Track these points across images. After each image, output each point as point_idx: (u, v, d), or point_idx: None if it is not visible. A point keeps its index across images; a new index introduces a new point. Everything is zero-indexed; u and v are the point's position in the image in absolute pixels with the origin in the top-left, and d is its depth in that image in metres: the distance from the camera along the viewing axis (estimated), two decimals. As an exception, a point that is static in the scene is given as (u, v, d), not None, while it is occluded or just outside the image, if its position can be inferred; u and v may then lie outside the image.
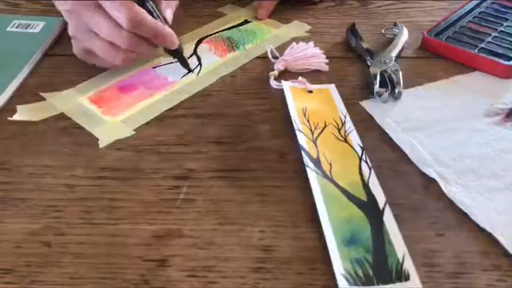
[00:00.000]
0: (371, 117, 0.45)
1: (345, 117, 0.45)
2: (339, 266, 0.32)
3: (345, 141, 0.42)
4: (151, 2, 0.47)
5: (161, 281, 0.32)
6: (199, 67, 0.53)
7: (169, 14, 0.50)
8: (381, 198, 0.37)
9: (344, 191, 0.37)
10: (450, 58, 0.53)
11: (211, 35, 0.58)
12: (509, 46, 0.52)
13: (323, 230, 0.34)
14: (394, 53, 0.51)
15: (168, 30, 0.47)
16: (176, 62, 0.52)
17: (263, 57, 0.54)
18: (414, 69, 0.52)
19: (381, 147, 0.42)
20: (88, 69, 0.52)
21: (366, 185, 0.38)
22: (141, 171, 0.40)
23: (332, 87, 0.49)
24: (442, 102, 0.47)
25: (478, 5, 0.60)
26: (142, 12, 0.45)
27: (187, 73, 0.51)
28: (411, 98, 0.47)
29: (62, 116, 0.46)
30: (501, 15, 0.58)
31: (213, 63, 0.53)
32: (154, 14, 0.47)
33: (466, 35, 0.55)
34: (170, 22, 0.50)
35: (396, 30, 0.57)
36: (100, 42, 0.46)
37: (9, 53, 0.54)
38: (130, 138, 0.44)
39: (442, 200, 0.37)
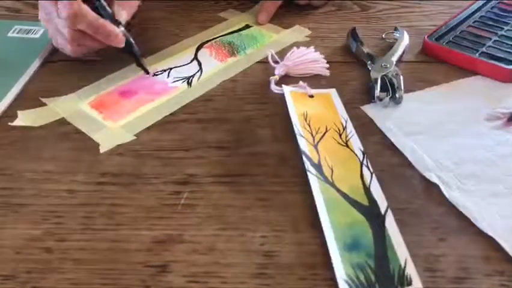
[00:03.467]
0: (372, 122, 0.45)
1: (346, 121, 0.45)
2: (340, 271, 0.32)
3: (347, 145, 0.42)
4: (101, 1, 0.49)
5: (162, 287, 0.32)
6: (199, 72, 0.53)
7: (123, 15, 0.52)
8: (382, 203, 0.36)
9: (345, 196, 0.37)
10: (451, 62, 0.53)
11: (212, 39, 0.58)
12: (509, 50, 0.52)
13: (324, 235, 0.34)
14: (395, 58, 0.51)
15: (111, 28, 0.49)
16: (176, 66, 0.52)
17: (264, 62, 0.54)
18: (415, 73, 0.52)
19: (382, 151, 0.42)
20: (88, 75, 0.52)
21: (367, 190, 0.38)
22: (142, 177, 0.40)
23: (332, 92, 0.49)
24: (443, 107, 0.47)
25: (478, 9, 0.60)
26: (85, 9, 0.47)
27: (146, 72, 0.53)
28: (412, 102, 0.47)
29: (63, 122, 0.46)
30: (501, 20, 0.58)
31: (214, 68, 0.53)
32: (102, 12, 0.49)
33: (467, 39, 0.55)
34: (123, 22, 0.52)
35: (397, 35, 0.57)
36: (56, 32, 0.49)
37: (10, 58, 0.54)
38: (130, 144, 0.44)
39: (444, 205, 0.37)
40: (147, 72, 0.53)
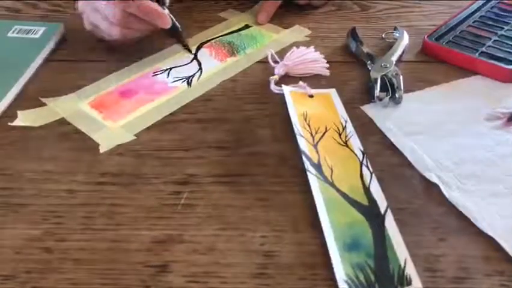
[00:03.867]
0: (372, 122, 0.45)
1: (345, 121, 0.45)
2: (340, 271, 0.32)
3: (346, 145, 0.42)
4: None
5: (162, 287, 0.32)
6: (199, 72, 0.53)
7: None
8: (382, 203, 0.36)
9: (345, 196, 0.37)
10: (450, 62, 0.53)
11: (211, 39, 0.58)
12: (509, 50, 0.53)
13: (324, 235, 0.34)
14: (394, 58, 0.51)
15: (159, 9, 0.50)
16: (176, 66, 0.52)
17: (264, 62, 0.54)
18: (414, 73, 0.52)
19: (382, 151, 0.42)
20: (88, 75, 0.52)
21: (367, 190, 0.38)
22: (142, 177, 0.40)
23: (332, 92, 0.49)
24: (443, 107, 0.47)
25: (478, 9, 0.60)
26: None
27: (192, 59, 0.54)
28: (412, 102, 0.47)
29: (62, 121, 0.46)
30: (501, 19, 0.58)
31: (214, 68, 0.53)
32: None
33: (467, 39, 0.55)
34: (167, 4, 0.53)
35: (397, 35, 0.57)
36: (100, 17, 0.50)
37: (10, 58, 0.54)
38: (130, 143, 0.44)
39: (444, 205, 0.37)
40: (191, 52, 0.55)
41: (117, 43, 0.54)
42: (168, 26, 0.51)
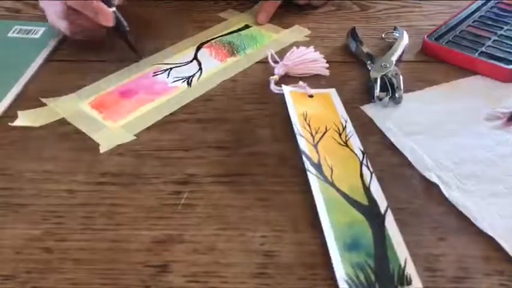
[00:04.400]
0: (372, 122, 0.45)
1: (345, 121, 0.45)
2: (340, 271, 0.32)
3: (346, 145, 0.42)
4: None
5: (162, 287, 0.32)
6: (199, 72, 0.53)
7: None
8: (382, 203, 0.36)
9: (345, 196, 0.37)
10: (450, 62, 0.53)
11: (211, 39, 0.58)
12: (509, 50, 0.53)
13: (324, 234, 0.34)
14: (394, 57, 0.51)
15: (100, 5, 0.50)
16: (176, 66, 0.52)
17: (264, 62, 0.54)
18: (414, 73, 0.52)
19: (382, 151, 0.42)
20: (88, 75, 0.52)
21: (367, 190, 0.38)
22: (142, 177, 0.40)
23: (332, 92, 0.49)
24: (443, 106, 0.47)
25: (477, 9, 0.60)
26: None
27: (137, 58, 0.54)
28: (412, 102, 0.47)
29: (63, 122, 0.46)
30: (501, 19, 0.58)
31: (214, 68, 0.53)
32: None
33: (466, 39, 0.55)
34: (115, 3, 0.53)
35: (397, 35, 0.57)
36: (52, 12, 0.53)
37: (10, 58, 0.54)
38: (130, 143, 0.44)
39: (444, 205, 0.37)
40: (136, 52, 0.54)
41: (78, 38, 0.55)
42: (111, 24, 0.51)
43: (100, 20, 0.50)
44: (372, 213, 0.36)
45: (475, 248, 0.34)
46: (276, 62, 0.53)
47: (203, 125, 0.46)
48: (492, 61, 0.51)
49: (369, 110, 0.47)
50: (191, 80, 0.52)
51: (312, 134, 0.43)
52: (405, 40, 0.55)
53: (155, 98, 0.49)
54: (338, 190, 0.38)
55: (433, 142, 0.42)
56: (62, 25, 0.52)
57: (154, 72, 0.53)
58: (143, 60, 0.54)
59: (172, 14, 0.65)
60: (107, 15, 0.51)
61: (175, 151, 0.43)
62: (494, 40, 0.54)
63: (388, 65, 0.49)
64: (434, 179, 0.39)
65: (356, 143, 0.42)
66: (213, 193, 0.39)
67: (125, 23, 0.53)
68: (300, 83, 0.49)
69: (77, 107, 0.48)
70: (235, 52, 0.56)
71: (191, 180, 0.40)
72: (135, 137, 0.44)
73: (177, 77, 0.52)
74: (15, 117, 0.46)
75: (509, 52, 0.52)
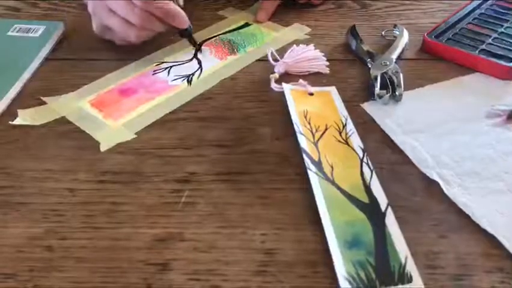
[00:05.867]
0: (372, 120, 0.45)
1: (346, 119, 0.45)
2: (341, 269, 0.32)
3: (347, 143, 0.42)
4: None
5: (163, 285, 0.32)
6: (200, 70, 0.53)
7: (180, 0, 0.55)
8: (383, 201, 0.37)
9: (345, 194, 0.37)
10: (450, 60, 0.53)
11: (211, 38, 0.58)
12: (509, 47, 0.52)
13: (325, 232, 0.34)
14: (395, 55, 0.51)
15: (179, 10, 0.51)
16: (176, 65, 0.52)
17: (264, 60, 0.54)
18: (414, 71, 0.52)
19: (382, 149, 0.42)
20: (88, 73, 0.52)
21: (367, 187, 0.38)
22: (142, 175, 0.40)
23: (332, 90, 0.49)
24: (443, 104, 0.47)
25: (478, 7, 0.60)
26: None
27: (196, 53, 0.55)
28: (412, 99, 0.47)
29: (63, 120, 0.46)
30: (501, 17, 0.58)
31: (214, 66, 0.53)
32: None
33: (466, 37, 0.55)
34: (181, 4, 0.53)
35: (397, 32, 0.57)
36: (116, 19, 0.50)
37: (10, 57, 0.54)
38: (131, 142, 0.44)
39: (444, 202, 0.37)
40: (199, 48, 0.55)
41: (123, 44, 0.53)
42: (186, 26, 0.52)
43: (176, 23, 0.51)
44: (372, 211, 0.36)
45: (475, 246, 0.34)
46: (276, 60, 0.53)
47: (203, 123, 0.46)
48: (492, 59, 0.51)
49: (370, 107, 0.47)
50: (191, 78, 0.52)
51: (312, 132, 0.43)
52: (405, 38, 0.55)
53: (156, 96, 0.49)
54: (339, 188, 0.38)
55: (433, 140, 0.42)
56: (132, 33, 0.50)
57: (154, 71, 0.53)
58: (143, 58, 0.54)
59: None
60: (183, 18, 0.51)
61: (175, 149, 0.43)
62: (494, 38, 0.54)
63: (388, 63, 0.49)
64: (434, 176, 0.39)
65: (356, 140, 0.42)
66: (213, 191, 0.39)
67: (189, 23, 0.54)
68: (300, 81, 0.49)
69: (77, 106, 0.48)
70: (236, 50, 0.56)
71: (191, 179, 0.40)
72: (135, 136, 0.44)
73: (177, 76, 0.52)
74: (15, 115, 0.46)
75: (510, 50, 0.52)
